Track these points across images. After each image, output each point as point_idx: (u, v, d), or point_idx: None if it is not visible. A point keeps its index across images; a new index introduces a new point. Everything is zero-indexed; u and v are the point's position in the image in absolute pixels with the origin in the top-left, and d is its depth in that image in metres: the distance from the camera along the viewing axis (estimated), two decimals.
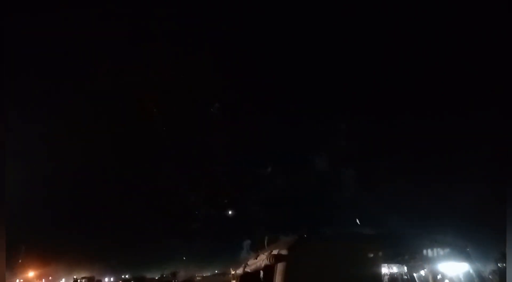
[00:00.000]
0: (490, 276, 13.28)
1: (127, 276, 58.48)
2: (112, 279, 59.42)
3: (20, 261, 53.88)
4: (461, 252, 4.85)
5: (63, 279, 60.20)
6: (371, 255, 4.35)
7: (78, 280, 52.88)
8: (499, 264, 16.58)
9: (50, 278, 61.27)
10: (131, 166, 54.32)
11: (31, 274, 55.88)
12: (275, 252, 4.49)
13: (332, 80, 47.31)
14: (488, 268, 15.86)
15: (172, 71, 43.22)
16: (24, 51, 42.39)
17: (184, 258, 58.12)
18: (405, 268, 4.79)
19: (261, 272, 4.97)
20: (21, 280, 53.94)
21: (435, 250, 4.64)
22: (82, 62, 49.72)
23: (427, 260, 4.67)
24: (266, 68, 52.25)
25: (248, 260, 5.62)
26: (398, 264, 4.88)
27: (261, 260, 4.92)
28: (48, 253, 53.80)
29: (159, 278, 54.39)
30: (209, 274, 56.66)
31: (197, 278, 50.73)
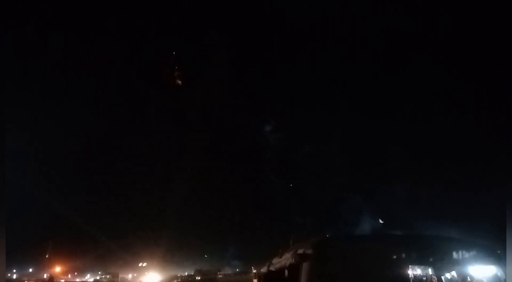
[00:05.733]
0: None
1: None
2: (135, 275, 60.51)
3: (47, 256, 55.51)
4: (491, 255, 4.75)
5: (88, 275, 61.68)
6: (395, 257, 4.32)
7: (103, 276, 54.05)
8: None
9: (75, 273, 62.86)
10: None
11: (57, 269, 57.40)
12: (300, 251, 4.49)
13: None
14: None
15: None
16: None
17: (205, 256, 58.63)
18: (430, 270, 4.71)
19: (286, 271, 4.98)
20: (48, 275, 55.35)
21: (464, 252, 4.55)
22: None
23: (455, 262, 4.58)
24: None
25: (272, 259, 5.63)
26: (423, 266, 4.81)
27: (286, 259, 4.94)
28: (74, 250, 55.14)
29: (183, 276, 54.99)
30: (230, 272, 56.96)
31: (219, 276, 51.07)
